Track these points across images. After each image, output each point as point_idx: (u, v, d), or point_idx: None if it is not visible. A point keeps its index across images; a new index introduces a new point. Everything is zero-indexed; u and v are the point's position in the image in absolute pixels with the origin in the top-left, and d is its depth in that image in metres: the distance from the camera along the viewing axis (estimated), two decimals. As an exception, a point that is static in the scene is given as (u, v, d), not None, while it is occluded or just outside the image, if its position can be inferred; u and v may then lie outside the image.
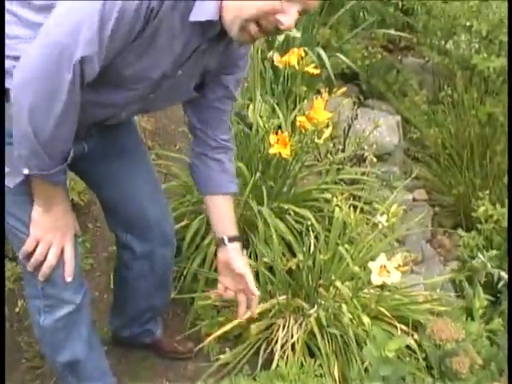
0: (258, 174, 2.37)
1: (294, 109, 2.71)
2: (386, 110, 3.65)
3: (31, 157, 1.38)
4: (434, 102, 3.86)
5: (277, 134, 2.25)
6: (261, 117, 2.51)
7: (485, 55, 3.63)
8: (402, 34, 3.94)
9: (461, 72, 3.75)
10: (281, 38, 2.82)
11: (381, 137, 3.24)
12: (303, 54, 2.48)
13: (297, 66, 2.46)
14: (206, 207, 1.86)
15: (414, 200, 3.46)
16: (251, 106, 2.52)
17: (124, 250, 1.95)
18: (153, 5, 1.31)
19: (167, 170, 2.63)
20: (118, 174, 1.82)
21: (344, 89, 2.57)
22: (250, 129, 2.57)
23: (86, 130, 1.61)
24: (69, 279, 1.60)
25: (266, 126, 2.31)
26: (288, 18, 1.35)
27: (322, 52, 3.07)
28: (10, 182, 1.46)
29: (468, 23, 3.83)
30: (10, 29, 1.42)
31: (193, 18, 1.39)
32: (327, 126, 2.28)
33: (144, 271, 1.96)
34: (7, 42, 1.42)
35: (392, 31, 3.85)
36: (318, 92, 3.17)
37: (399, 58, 4.18)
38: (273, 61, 2.67)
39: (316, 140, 2.22)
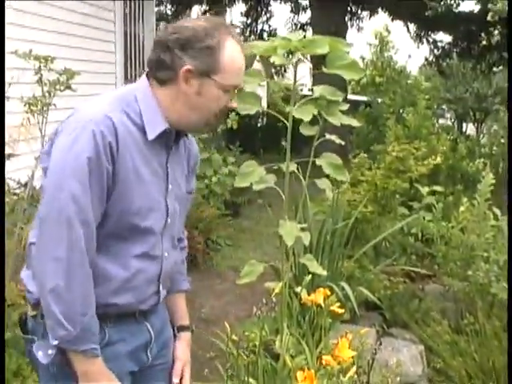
0: (286, 410, 2.44)
1: (320, 340, 2.83)
2: (410, 339, 3.75)
3: (55, 325, 1.50)
4: (456, 329, 3.95)
5: (303, 370, 2.35)
6: (287, 349, 2.63)
7: (504, 285, 3.78)
8: (421, 270, 4.15)
9: (481, 301, 3.88)
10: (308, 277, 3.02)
11: (404, 367, 3.31)
12: (328, 293, 2.66)
13: (322, 305, 2.63)
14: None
15: (442, 432, 3.43)
16: (277, 341, 2.66)
17: None
18: (108, 139, 1.52)
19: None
20: None
21: (366, 329, 2.72)
22: (276, 360, 2.67)
23: (150, 298, 1.74)
24: None
25: (292, 364, 2.42)
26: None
27: (346, 287, 3.28)
28: (44, 357, 1.57)
29: (485, 254, 4.05)
30: None
31: (151, 136, 1.61)
32: (353, 364, 2.40)
33: None
34: None
35: (412, 268, 4.08)
36: (343, 322, 3.33)
37: (420, 286, 4.36)
38: (300, 297, 2.85)
39: (341, 378, 2.33)
